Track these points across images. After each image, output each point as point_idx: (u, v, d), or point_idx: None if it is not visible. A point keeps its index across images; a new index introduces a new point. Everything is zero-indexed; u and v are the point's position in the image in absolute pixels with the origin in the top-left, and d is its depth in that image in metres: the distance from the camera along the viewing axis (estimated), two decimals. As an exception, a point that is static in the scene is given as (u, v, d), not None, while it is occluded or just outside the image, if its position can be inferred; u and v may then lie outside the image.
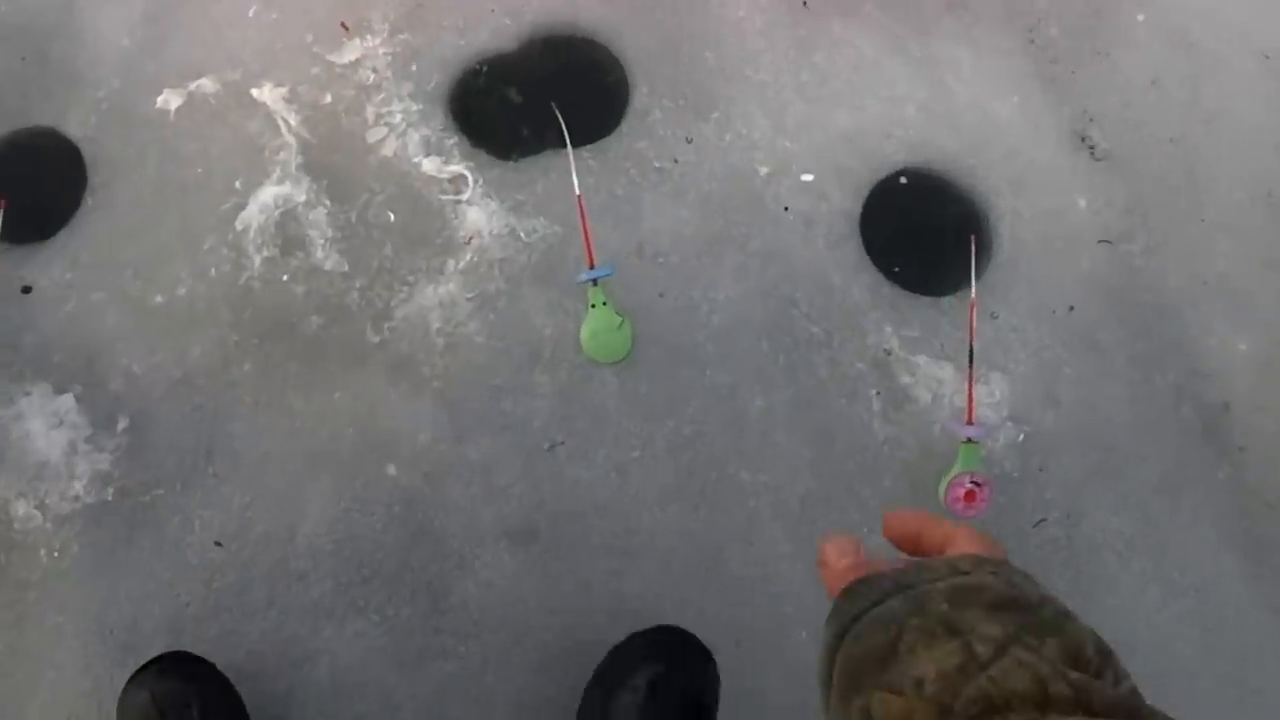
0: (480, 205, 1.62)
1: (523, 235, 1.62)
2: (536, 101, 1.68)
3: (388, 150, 1.61)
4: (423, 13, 1.72)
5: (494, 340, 1.55)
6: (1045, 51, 1.82)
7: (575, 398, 1.51)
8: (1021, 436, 1.60)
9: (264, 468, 1.48)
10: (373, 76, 1.66)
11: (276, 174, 1.60)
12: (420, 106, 1.64)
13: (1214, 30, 1.87)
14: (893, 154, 1.72)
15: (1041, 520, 1.56)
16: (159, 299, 1.57)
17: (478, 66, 1.67)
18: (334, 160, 1.60)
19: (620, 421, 1.53)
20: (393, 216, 1.59)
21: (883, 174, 1.71)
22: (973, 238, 1.61)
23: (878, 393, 1.58)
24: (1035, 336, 1.65)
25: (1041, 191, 1.73)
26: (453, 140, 1.65)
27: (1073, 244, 1.70)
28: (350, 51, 1.67)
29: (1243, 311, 1.69)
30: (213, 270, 1.57)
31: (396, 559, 1.43)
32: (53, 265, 1.59)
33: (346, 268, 1.56)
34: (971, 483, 1.47)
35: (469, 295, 1.59)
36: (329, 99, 1.64)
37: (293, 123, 1.63)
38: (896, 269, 1.65)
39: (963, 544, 0.46)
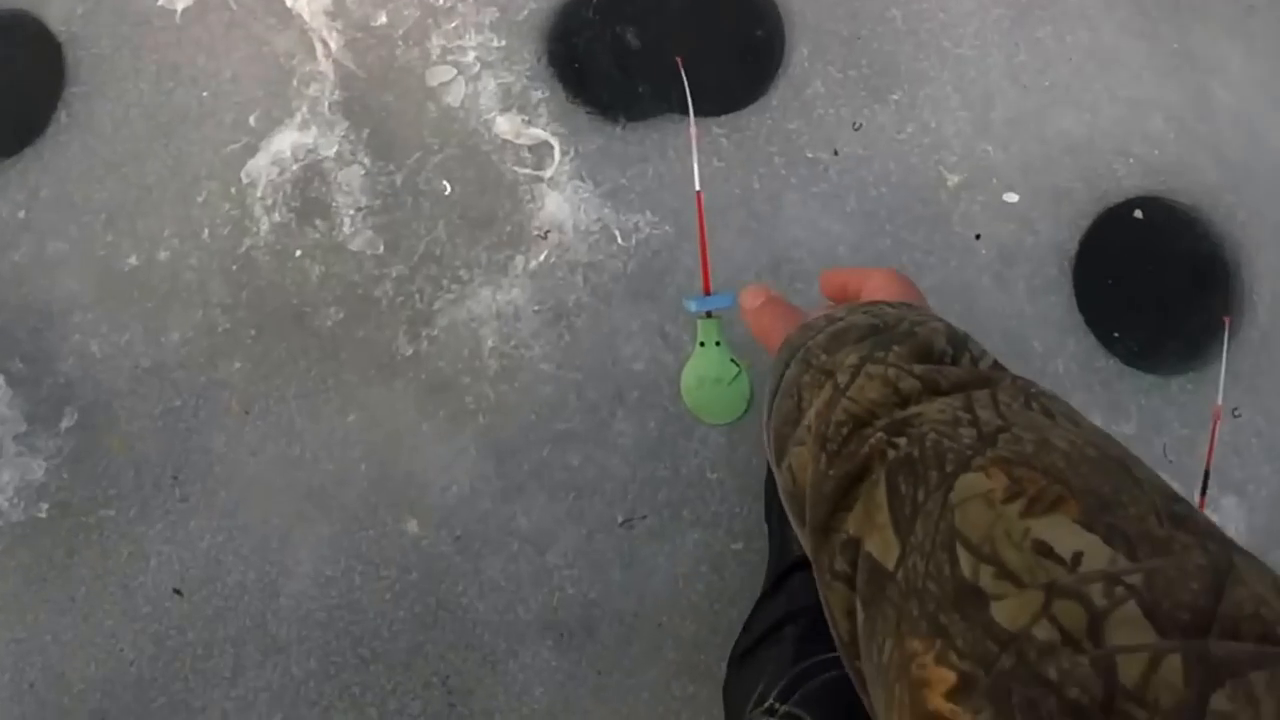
0: (567, 188, 1.31)
1: (619, 234, 1.31)
2: (661, 50, 1.35)
3: (453, 97, 1.30)
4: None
5: (565, 370, 1.26)
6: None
7: (665, 459, 1.29)
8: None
9: (247, 499, 1.29)
10: (445, -7, 1.35)
11: (303, 113, 1.30)
12: (503, 42, 1.32)
13: None
14: (1126, 177, 1.38)
15: None
16: (134, 260, 1.29)
17: (586, -5, 1.35)
18: (381, 103, 1.30)
19: (723, 498, 1.30)
20: (449, 188, 1.29)
21: (1111, 202, 1.38)
22: (1225, 321, 1.27)
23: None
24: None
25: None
26: (541, 93, 1.33)
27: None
28: (419, -43, 1.36)
29: None
30: (206, 231, 1.28)
31: (408, 641, 1.27)
32: (3, 196, 1.32)
33: (381, 249, 1.27)
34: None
35: (537, 307, 1.29)
36: (384, 18, 1.33)
37: (333, 45, 1.32)
38: (1117, 334, 1.33)
39: (877, 281, 0.54)
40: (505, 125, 1.30)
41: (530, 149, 1.32)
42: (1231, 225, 1.39)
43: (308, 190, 1.29)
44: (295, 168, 1.29)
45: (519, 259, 1.30)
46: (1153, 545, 0.30)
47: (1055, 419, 0.38)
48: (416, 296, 1.29)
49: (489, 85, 1.32)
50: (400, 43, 1.32)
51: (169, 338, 1.28)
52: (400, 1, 1.33)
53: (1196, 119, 1.41)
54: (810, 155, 1.35)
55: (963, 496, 0.34)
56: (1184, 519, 0.32)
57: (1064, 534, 0.31)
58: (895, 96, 1.37)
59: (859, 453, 0.39)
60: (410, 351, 1.28)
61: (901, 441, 0.38)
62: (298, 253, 1.28)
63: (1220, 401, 1.22)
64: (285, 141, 1.28)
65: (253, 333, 1.28)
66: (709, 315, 1.26)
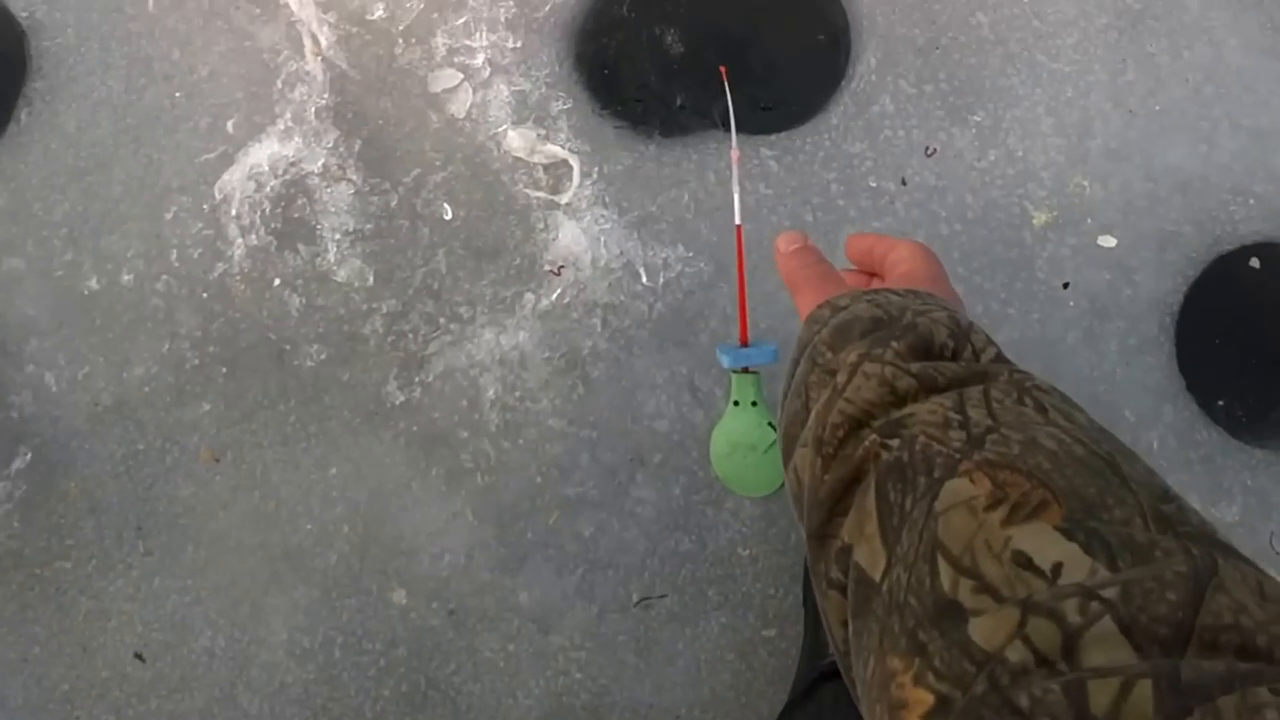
0: (586, 215, 1.13)
1: (644, 272, 1.13)
2: (705, 55, 1.16)
3: (458, 106, 1.13)
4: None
5: (578, 427, 1.10)
6: None
7: (691, 531, 1.15)
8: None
9: (217, 557, 1.17)
10: (455, -16, 1.16)
11: (287, 118, 1.13)
12: (519, 43, 1.14)
13: None
14: (1244, 220, 1.18)
15: None
16: (95, 283, 1.14)
17: (620, -12, 1.16)
18: (376, 110, 1.13)
19: (755, 577, 1.16)
20: (450, 212, 1.12)
21: (1224, 249, 1.18)
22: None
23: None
24: None
25: None
26: (562, 103, 1.15)
27: None
28: (428, -62, 1.18)
29: None
30: (175, 253, 1.13)
31: (390, 724, 1.14)
32: (-42, 205, 1.18)
33: (371, 280, 1.11)
34: None
35: (548, 353, 1.12)
36: (382, 10, 1.15)
37: (323, 40, 1.14)
38: (1222, 402, 1.14)
39: (900, 252, 0.54)
40: (518, 140, 1.13)
41: (546, 169, 1.14)
42: (1369, 280, 1.18)
43: (289, 209, 1.13)
44: (276, 183, 1.12)
45: (528, 297, 1.13)
46: (1134, 553, 0.30)
47: (1048, 414, 0.37)
48: (410, 336, 1.12)
49: (501, 93, 1.14)
50: (400, 40, 1.14)
51: (132, 372, 1.14)
52: (403, -9, 1.15)
53: (1335, 153, 1.19)
54: (874, 184, 1.16)
55: (946, 504, 0.34)
56: (1171, 519, 0.32)
57: (1044, 544, 0.31)
58: (977, 118, 1.17)
59: (854, 455, 0.39)
60: (401, 399, 1.12)
61: (894, 444, 0.38)
62: (276, 281, 1.12)
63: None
64: (265, 152, 1.12)
65: (224, 370, 1.13)
66: (746, 371, 1.06)
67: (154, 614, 1.15)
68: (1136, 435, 1.15)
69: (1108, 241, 1.16)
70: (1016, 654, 0.28)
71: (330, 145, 1.12)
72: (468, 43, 1.14)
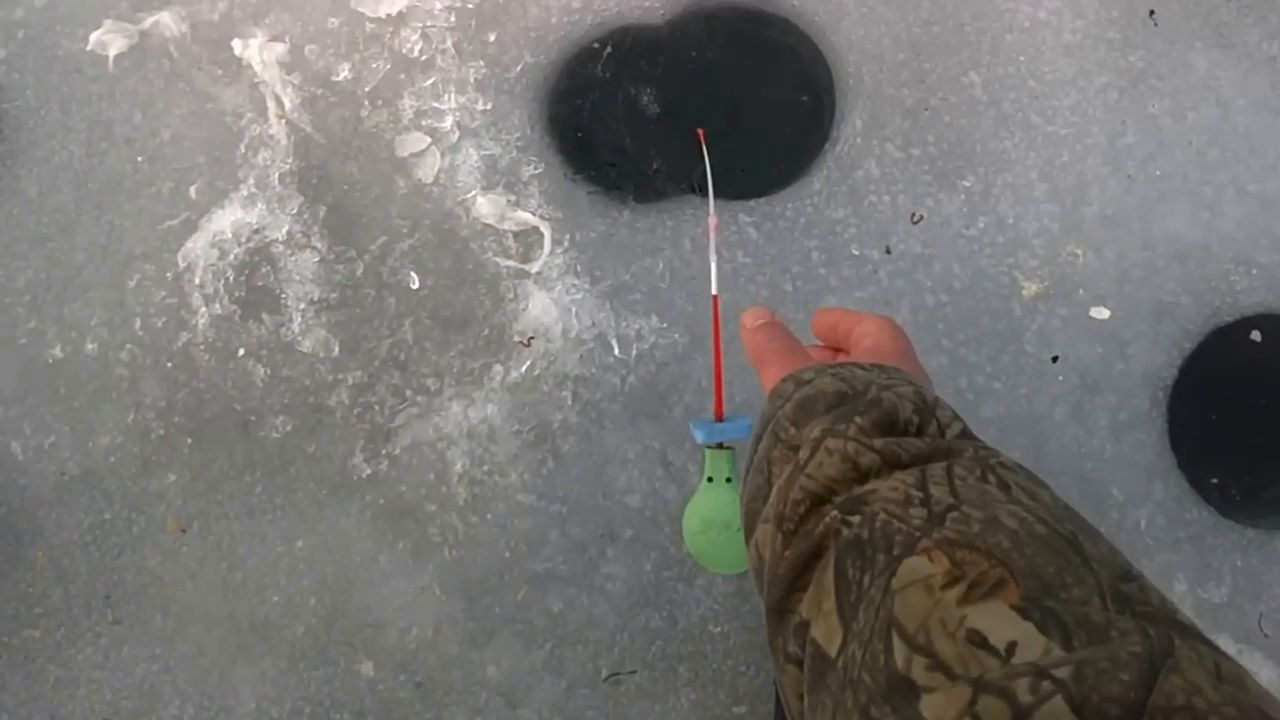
0: (558, 285, 1.09)
1: (617, 344, 1.09)
2: (683, 116, 1.12)
3: (425, 171, 1.09)
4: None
5: (547, 502, 1.08)
6: None
7: (662, 607, 1.13)
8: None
9: (185, 627, 1.16)
10: (422, 45, 1.11)
11: (251, 183, 1.09)
12: (489, 105, 1.10)
13: None
14: (1246, 291, 1.12)
15: None
16: (59, 351, 1.12)
17: (596, 47, 1.11)
18: (342, 175, 1.10)
19: (726, 654, 1.14)
20: (418, 280, 1.09)
21: (1223, 321, 1.13)
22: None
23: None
24: None
25: None
26: (533, 168, 1.11)
27: None
28: (398, -9, 1.13)
29: None
30: (138, 321, 1.10)
31: (357, 798, 1.10)
32: (-78, 267, 1.16)
33: (336, 351, 1.09)
34: None
35: (517, 426, 1.09)
36: (347, 72, 1.11)
37: (288, 103, 1.10)
38: (1215, 479, 1.10)
39: (866, 327, 0.54)
40: (488, 207, 1.09)
41: (516, 236, 1.10)
42: (1378, 353, 1.12)
43: (253, 278, 1.10)
44: (240, 250, 1.09)
45: (497, 369, 1.10)
46: (1089, 632, 0.30)
47: (1011, 491, 0.37)
48: (376, 408, 1.10)
49: (470, 157, 1.10)
50: (366, 102, 1.10)
51: (98, 442, 1.12)
52: (368, 51, 1.10)
53: (1345, 219, 1.13)
54: (857, 252, 1.11)
55: (904, 582, 0.34)
56: (1131, 599, 0.32)
57: (999, 623, 0.31)
58: (966, 183, 1.11)
59: (815, 532, 0.39)
60: (368, 471, 1.10)
61: (855, 520, 0.38)
62: (241, 351, 1.10)
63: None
64: (229, 219, 1.09)
65: (190, 441, 1.11)
66: (720, 446, 1.02)
67: (123, 682, 1.14)
68: (1124, 514, 1.11)
69: (1101, 313, 1.11)
70: None
71: (294, 211, 1.09)
72: (436, 105, 1.10)
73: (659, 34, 1.13)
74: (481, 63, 1.11)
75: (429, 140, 1.09)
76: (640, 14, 1.12)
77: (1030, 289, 1.11)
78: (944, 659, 0.31)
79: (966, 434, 0.43)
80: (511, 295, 1.10)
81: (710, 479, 1.02)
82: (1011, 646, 0.29)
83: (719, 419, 1.01)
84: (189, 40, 1.11)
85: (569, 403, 1.09)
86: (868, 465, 0.40)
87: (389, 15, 1.08)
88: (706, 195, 1.06)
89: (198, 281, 1.09)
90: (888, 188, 1.11)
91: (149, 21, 1.10)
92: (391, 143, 1.10)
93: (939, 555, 0.34)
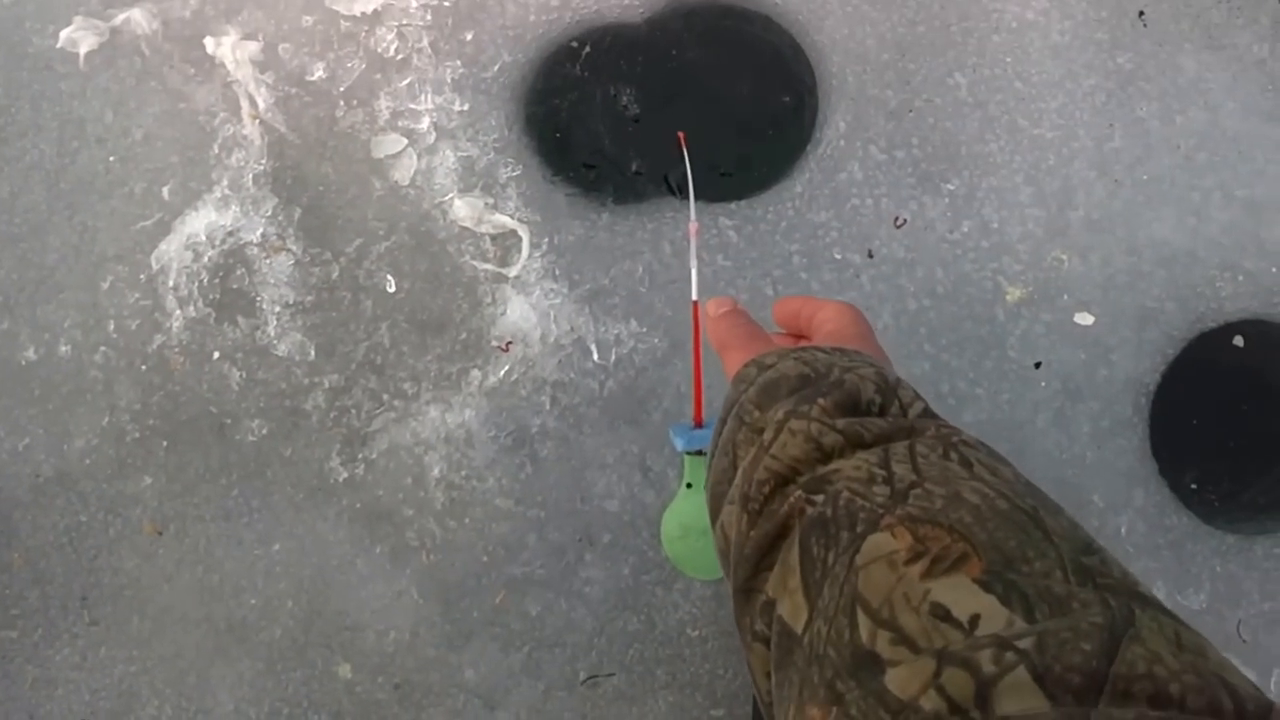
0: (535, 289, 1.08)
1: (595, 348, 1.08)
2: (664, 117, 1.10)
3: (402, 173, 1.08)
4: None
5: (525, 506, 1.07)
6: None
7: (640, 611, 1.13)
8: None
9: (163, 629, 1.16)
10: (398, 44, 1.09)
11: (224, 185, 1.08)
12: (466, 105, 1.09)
13: None
14: (1231, 297, 1.12)
15: None
16: (32, 353, 1.11)
17: (575, 46, 1.09)
18: (317, 176, 1.08)
19: (704, 657, 1.14)
20: (394, 284, 1.08)
21: (1207, 326, 1.13)
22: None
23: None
24: None
25: None
26: (511, 169, 1.09)
27: None
28: (375, -14, 1.11)
29: None
30: (112, 324, 1.09)
31: (335, 799, 1.10)
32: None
33: (312, 354, 1.08)
34: None
35: (494, 431, 1.09)
36: (322, 71, 1.09)
37: (261, 102, 1.09)
38: (1195, 485, 1.10)
39: (827, 313, 0.54)
40: (465, 209, 1.08)
41: (494, 239, 1.09)
42: (1364, 361, 1.11)
43: (228, 280, 1.09)
44: (214, 253, 1.08)
45: (474, 374, 1.09)
46: (1051, 604, 0.30)
47: (973, 468, 0.38)
48: (353, 412, 1.09)
49: (447, 158, 1.08)
50: (341, 102, 1.09)
51: (73, 444, 1.11)
52: (343, 50, 1.09)
53: (1334, 224, 1.12)
54: (839, 256, 1.10)
55: (868, 558, 0.34)
56: (1092, 571, 0.32)
57: (962, 596, 0.31)
58: (950, 186, 1.10)
59: (779, 512, 0.40)
60: (345, 476, 1.09)
61: (819, 499, 0.38)
62: (216, 354, 1.09)
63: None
64: (202, 221, 1.07)
65: (165, 444, 1.10)
66: (700, 453, 1.02)
67: (101, 683, 1.14)
68: (1105, 520, 1.10)
69: (1084, 319, 1.10)
70: (931, 703, 0.28)
71: (269, 214, 1.08)
72: (412, 105, 1.08)
73: (639, 32, 1.11)
74: (458, 62, 1.09)
75: (405, 141, 1.07)
76: (620, 12, 1.10)
77: (1014, 294, 1.10)
78: (908, 632, 0.31)
79: (928, 413, 0.44)
80: (489, 299, 1.09)
81: (689, 485, 1.01)
82: (974, 619, 0.30)
83: (698, 425, 1.00)
84: (160, 38, 1.09)
85: (547, 407, 1.09)
86: (831, 445, 0.40)
87: (364, 13, 1.06)
88: (686, 197, 1.04)
89: (171, 284, 1.08)
90: (870, 191, 1.10)
91: (120, 18, 1.09)
92: (367, 143, 1.08)
93: (902, 531, 0.34)
